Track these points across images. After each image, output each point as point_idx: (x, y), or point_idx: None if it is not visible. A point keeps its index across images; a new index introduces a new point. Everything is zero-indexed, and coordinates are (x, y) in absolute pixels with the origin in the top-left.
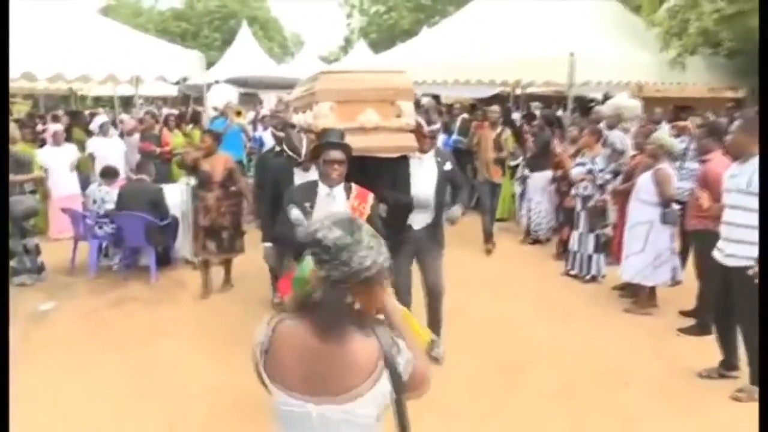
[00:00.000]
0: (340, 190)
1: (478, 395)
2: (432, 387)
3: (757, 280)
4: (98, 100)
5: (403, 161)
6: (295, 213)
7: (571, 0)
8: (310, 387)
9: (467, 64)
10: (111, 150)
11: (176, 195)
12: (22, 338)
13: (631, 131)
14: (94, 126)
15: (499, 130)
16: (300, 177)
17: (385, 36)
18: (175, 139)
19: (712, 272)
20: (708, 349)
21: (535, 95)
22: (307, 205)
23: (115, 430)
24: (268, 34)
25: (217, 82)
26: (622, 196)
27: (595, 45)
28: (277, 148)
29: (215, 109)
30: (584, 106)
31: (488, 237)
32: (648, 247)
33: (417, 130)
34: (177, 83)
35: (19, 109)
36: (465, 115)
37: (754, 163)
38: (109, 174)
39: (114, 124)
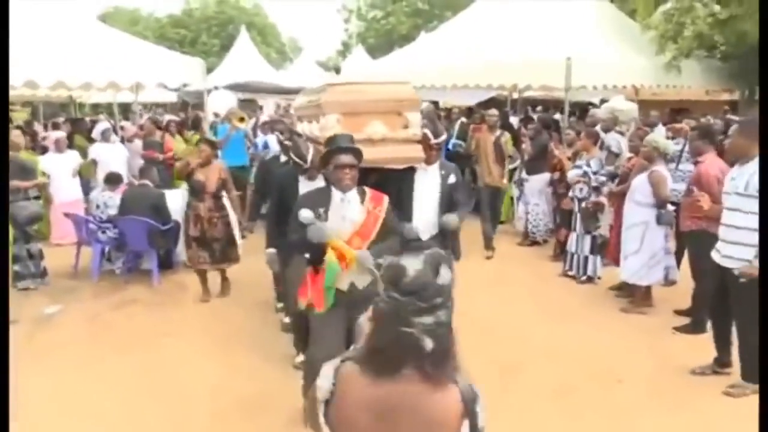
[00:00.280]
0: (353, 194)
1: None
2: None
3: (742, 280)
4: (96, 107)
5: (409, 172)
6: (305, 212)
7: (568, 4)
8: None
9: (465, 68)
10: (113, 156)
11: (178, 200)
12: (29, 341)
13: (627, 134)
14: (96, 133)
15: (498, 133)
16: (305, 185)
17: (383, 41)
18: (177, 145)
19: (710, 272)
20: (701, 347)
21: (531, 99)
22: (321, 210)
23: (121, 430)
24: (266, 40)
25: (216, 88)
26: (618, 198)
27: (591, 49)
28: (283, 158)
29: (216, 115)
30: (582, 109)
31: (488, 243)
32: (644, 248)
33: (423, 142)
34: (176, 90)
35: (17, 116)
36: (463, 119)
37: (752, 165)
38: (113, 180)
39: (115, 130)
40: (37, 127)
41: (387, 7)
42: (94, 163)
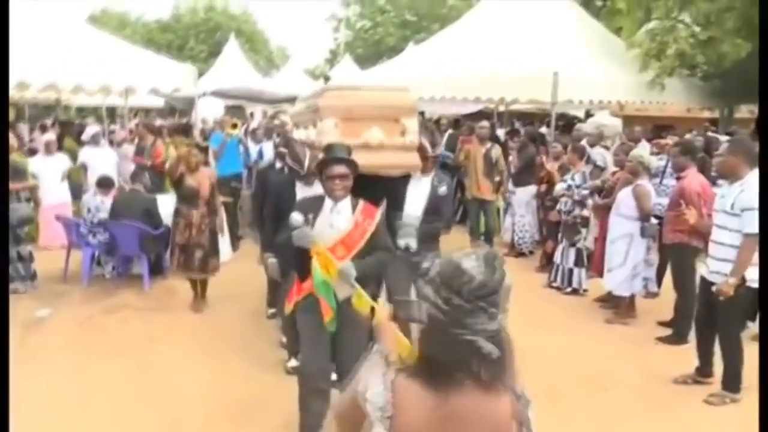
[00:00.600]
0: (345, 204)
1: None
2: None
3: (721, 298)
4: (81, 111)
5: (404, 179)
6: (296, 215)
7: (556, 21)
8: None
9: (454, 80)
10: (103, 160)
11: (168, 205)
12: (20, 344)
13: (612, 148)
14: (85, 136)
15: (488, 145)
16: (302, 191)
17: (371, 51)
18: (166, 151)
19: (699, 285)
20: (683, 357)
21: (517, 112)
22: (310, 216)
23: None
24: (254, 47)
25: (204, 94)
26: (603, 211)
27: (577, 64)
28: (278, 164)
29: (203, 121)
30: (568, 123)
31: None
32: (628, 260)
33: (420, 152)
34: (164, 95)
35: None
36: (451, 131)
37: (740, 185)
38: (104, 184)
39: (103, 134)
40: (23, 128)
41: (376, 18)
42: (84, 167)
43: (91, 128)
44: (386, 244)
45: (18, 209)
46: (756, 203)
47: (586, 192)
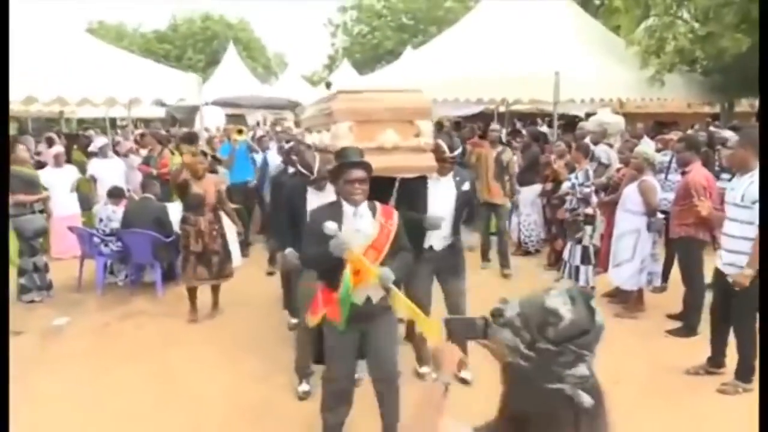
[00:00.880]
0: (365, 208)
1: (477, 397)
2: None
3: (737, 288)
4: (82, 122)
5: (420, 181)
6: (330, 224)
7: (555, 20)
8: None
9: (454, 82)
10: (111, 171)
11: (177, 213)
12: (39, 352)
13: (615, 146)
14: (93, 147)
15: (499, 149)
16: (313, 196)
17: (369, 56)
18: (173, 160)
19: (714, 277)
20: (693, 349)
21: (517, 113)
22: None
23: None
24: (251, 55)
25: (207, 103)
26: (609, 207)
27: (578, 63)
28: (290, 170)
29: (206, 129)
30: (569, 122)
31: (504, 261)
32: (636, 255)
33: (438, 155)
34: (164, 105)
35: None
36: (454, 133)
37: (750, 177)
38: (115, 194)
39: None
40: (29, 141)
41: (372, 22)
42: (93, 179)
43: (99, 140)
44: (406, 244)
45: (33, 221)
46: None
47: (588, 190)
